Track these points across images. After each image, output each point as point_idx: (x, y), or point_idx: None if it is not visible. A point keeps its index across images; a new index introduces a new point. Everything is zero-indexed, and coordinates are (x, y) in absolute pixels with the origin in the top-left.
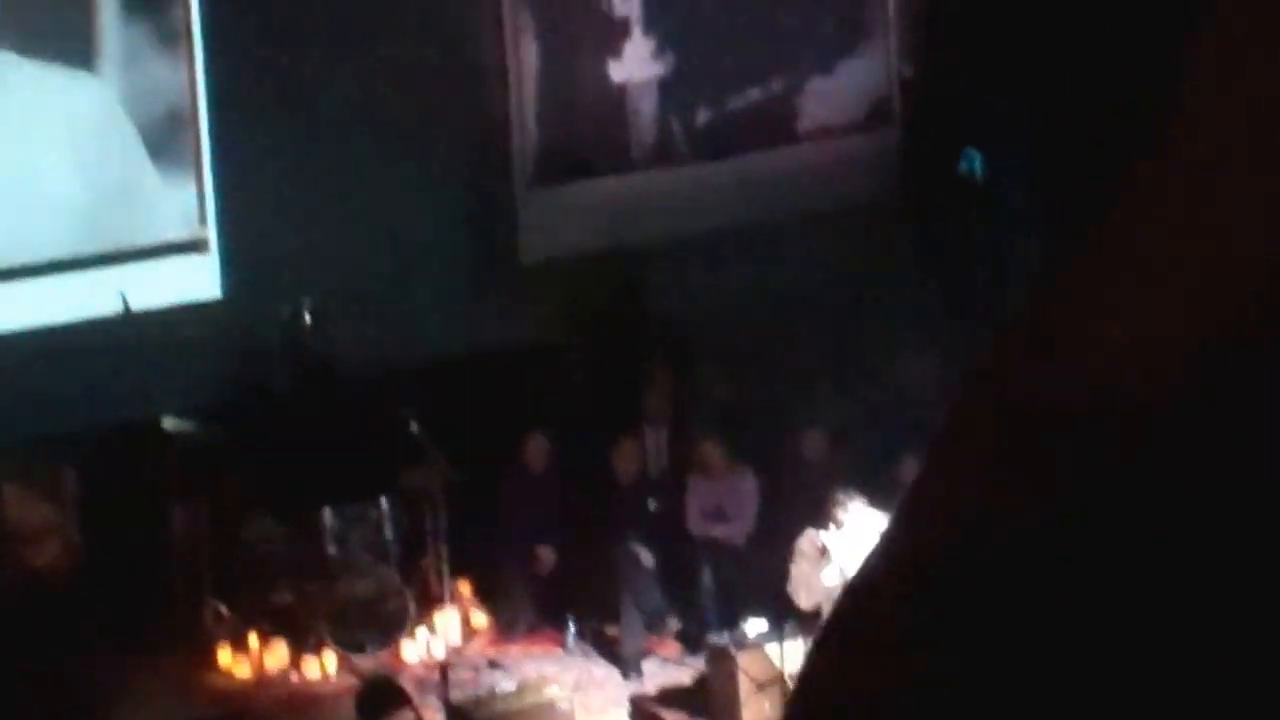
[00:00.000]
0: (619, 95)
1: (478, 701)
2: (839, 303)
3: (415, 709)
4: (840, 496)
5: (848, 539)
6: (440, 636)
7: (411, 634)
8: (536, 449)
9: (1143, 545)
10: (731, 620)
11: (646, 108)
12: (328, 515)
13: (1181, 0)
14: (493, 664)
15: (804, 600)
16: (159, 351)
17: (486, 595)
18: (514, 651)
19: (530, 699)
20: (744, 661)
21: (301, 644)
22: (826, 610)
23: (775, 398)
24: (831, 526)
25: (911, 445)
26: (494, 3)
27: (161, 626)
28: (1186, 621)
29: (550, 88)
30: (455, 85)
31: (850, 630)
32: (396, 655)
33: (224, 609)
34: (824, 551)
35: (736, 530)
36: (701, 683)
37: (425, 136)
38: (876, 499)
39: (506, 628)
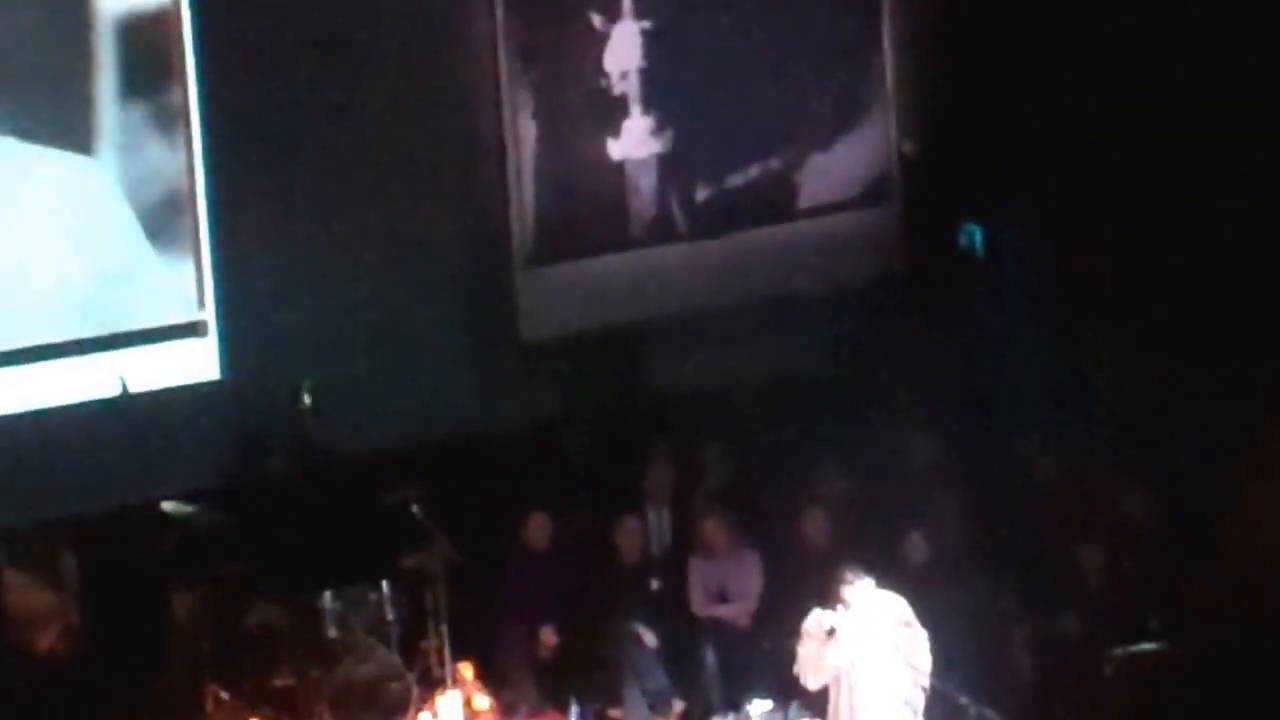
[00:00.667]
0: (617, 173)
1: None
2: (840, 379)
3: None
4: (846, 575)
5: (855, 618)
6: (443, 719)
7: (414, 717)
8: (537, 529)
9: None
10: (735, 701)
11: (645, 185)
12: (328, 598)
13: (1173, 81)
14: None
15: (811, 681)
16: (158, 434)
17: (489, 677)
18: None
19: None
20: None
21: None
22: (833, 690)
23: (777, 476)
24: (838, 606)
25: (915, 523)
26: (492, 82)
27: (162, 711)
28: None
29: (549, 166)
30: (454, 165)
31: None
32: None
33: (224, 693)
34: (831, 632)
35: (740, 610)
36: None
37: (424, 217)
38: (882, 577)
39: (509, 710)
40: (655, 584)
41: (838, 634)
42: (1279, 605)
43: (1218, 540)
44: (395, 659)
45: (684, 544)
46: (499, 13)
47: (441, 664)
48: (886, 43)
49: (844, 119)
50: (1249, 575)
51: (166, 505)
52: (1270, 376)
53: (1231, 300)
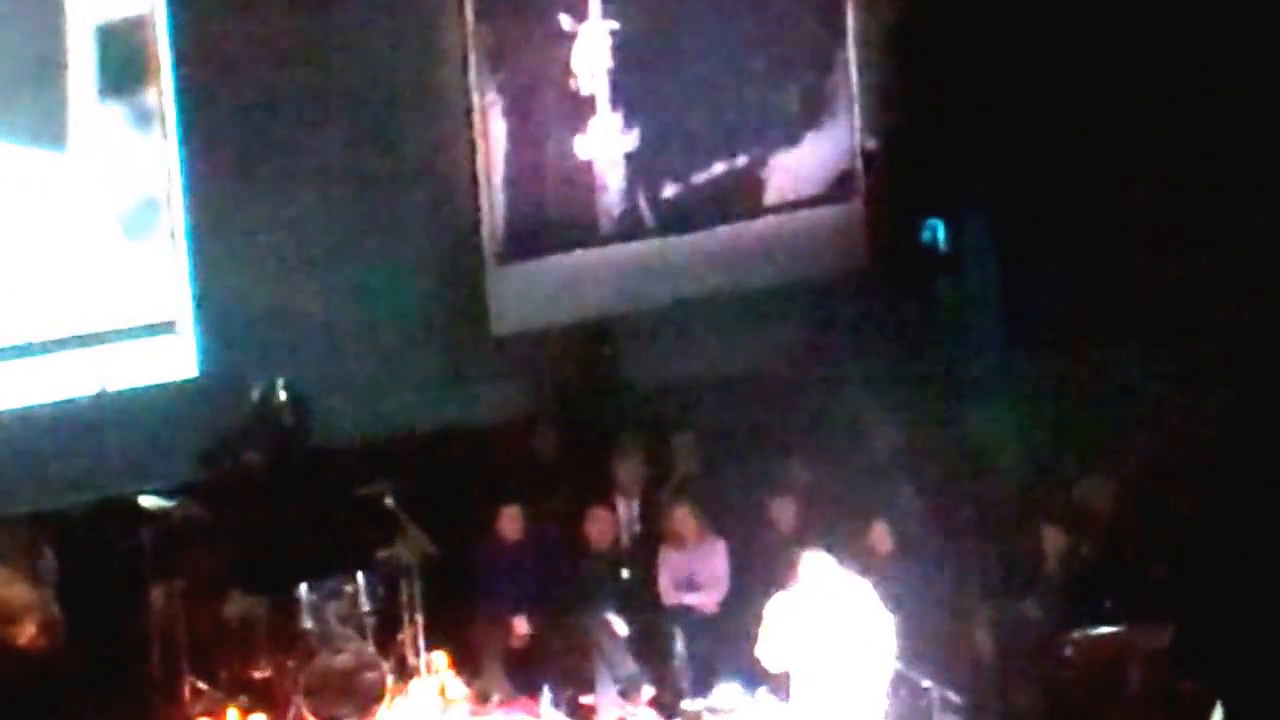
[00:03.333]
0: (586, 170)
1: None
2: (806, 372)
3: None
4: (810, 561)
5: (818, 602)
6: (417, 708)
7: (389, 706)
8: (510, 520)
9: None
10: (704, 686)
11: (613, 182)
12: (304, 590)
13: (1134, 77)
14: None
15: (774, 664)
16: (136, 430)
17: (463, 666)
18: None
19: None
20: None
21: (280, 718)
22: (797, 673)
23: (745, 467)
24: (801, 591)
25: (879, 510)
26: (462, 81)
27: (140, 703)
28: None
29: (518, 164)
30: (425, 164)
31: None
32: None
33: (202, 684)
34: (794, 615)
35: (709, 598)
36: None
37: (397, 215)
38: (845, 563)
39: (483, 698)
40: (625, 573)
41: (797, 616)
42: (1236, 587)
43: (1174, 524)
44: (370, 649)
45: (653, 534)
46: (469, 13)
47: (416, 654)
48: (851, 40)
49: (809, 116)
50: (1205, 558)
51: (144, 499)
52: (1228, 363)
53: (1192, 289)
